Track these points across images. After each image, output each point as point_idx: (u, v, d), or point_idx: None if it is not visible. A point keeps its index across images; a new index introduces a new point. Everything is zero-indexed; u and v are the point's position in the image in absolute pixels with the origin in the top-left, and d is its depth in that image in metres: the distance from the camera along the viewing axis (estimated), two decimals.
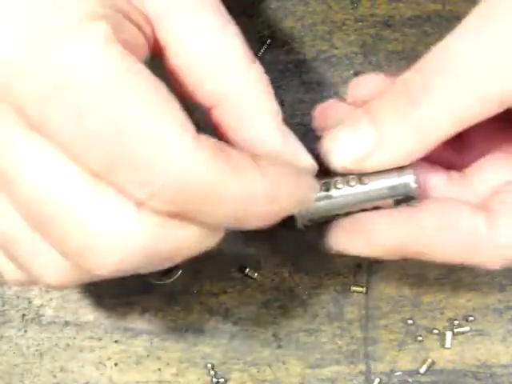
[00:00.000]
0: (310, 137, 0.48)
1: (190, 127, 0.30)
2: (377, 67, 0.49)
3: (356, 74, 0.49)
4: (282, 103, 0.49)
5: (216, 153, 0.30)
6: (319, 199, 0.37)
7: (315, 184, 0.36)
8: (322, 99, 0.49)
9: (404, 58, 0.49)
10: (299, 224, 0.39)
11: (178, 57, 0.34)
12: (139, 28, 0.32)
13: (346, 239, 0.38)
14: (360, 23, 0.49)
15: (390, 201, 0.37)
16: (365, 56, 0.49)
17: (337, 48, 0.49)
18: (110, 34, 0.30)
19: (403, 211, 0.37)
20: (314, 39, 0.49)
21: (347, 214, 0.38)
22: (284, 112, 0.48)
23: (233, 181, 0.31)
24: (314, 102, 0.49)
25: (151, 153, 0.29)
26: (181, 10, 0.33)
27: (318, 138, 0.39)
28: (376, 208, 0.38)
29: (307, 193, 0.35)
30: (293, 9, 0.50)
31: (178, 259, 0.33)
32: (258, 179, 0.31)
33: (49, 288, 0.39)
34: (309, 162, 0.36)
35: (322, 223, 0.39)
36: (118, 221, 0.31)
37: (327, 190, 0.37)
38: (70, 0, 0.30)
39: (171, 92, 0.31)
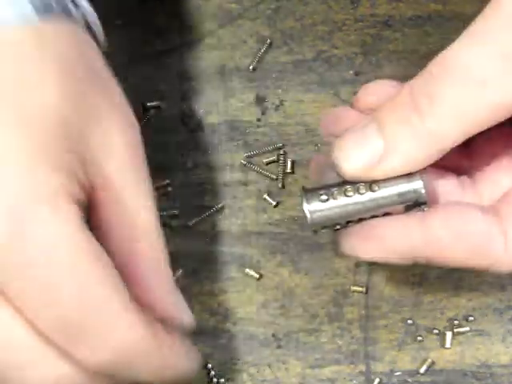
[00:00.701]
0: (309, 136, 0.49)
1: (132, 304, 0.34)
2: (377, 67, 0.49)
3: (356, 73, 0.49)
4: (281, 103, 0.49)
5: (149, 328, 0.34)
6: (331, 207, 0.38)
7: (196, 355, 0.39)
8: (322, 99, 0.49)
9: (404, 57, 0.49)
10: (312, 231, 0.39)
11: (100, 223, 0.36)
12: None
13: (358, 245, 0.38)
14: (360, 23, 0.49)
15: (401, 207, 0.37)
16: (365, 56, 0.49)
17: (337, 48, 0.49)
18: (80, 216, 0.33)
19: (414, 217, 0.37)
20: (314, 39, 0.49)
21: (359, 220, 0.38)
22: (284, 112, 0.49)
23: (155, 352, 0.35)
24: (314, 102, 0.49)
25: (99, 326, 0.33)
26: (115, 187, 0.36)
27: (325, 145, 0.39)
28: (387, 214, 0.38)
29: (191, 363, 0.38)
30: (293, 9, 0.50)
31: None
32: (170, 350, 0.36)
33: None
34: (191, 320, 0.39)
35: (335, 230, 0.39)
36: (56, 379, 0.33)
37: (338, 197, 0.37)
38: (44, 173, 0.32)
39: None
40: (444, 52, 0.36)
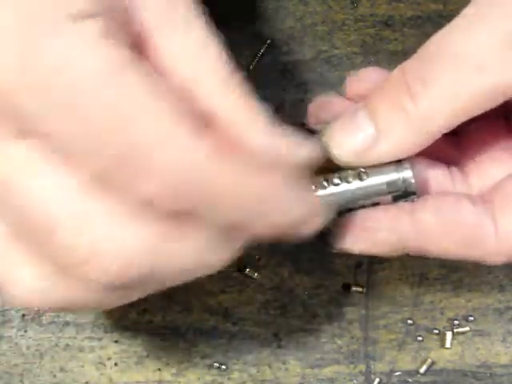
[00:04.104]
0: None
1: (190, 118, 0.29)
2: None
3: None
4: (281, 103, 0.49)
5: (219, 144, 0.29)
6: (318, 196, 0.37)
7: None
8: None
9: (404, 58, 0.49)
10: None
11: (162, 63, 0.32)
12: (130, 36, 0.31)
13: (347, 238, 0.38)
14: (360, 23, 0.49)
15: (389, 197, 0.37)
16: (365, 56, 0.49)
17: (337, 48, 0.49)
18: (104, 30, 0.29)
19: (402, 207, 0.37)
20: (314, 39, 0.49)
21: (346, 210, 0.38)
22: (284, 112, 0.49)
23: (238, 175, 0.29)
24: None
25: (151, 146, 0.28)
26: (166, 30, 0.32)
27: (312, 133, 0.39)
28: (375, 204, 0.38)
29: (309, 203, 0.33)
30: (293, 9, 0.50)
31: (188, 273, 0.32)
32: (262, 176, 0.30)
33: (17, 306, 0.35)
34: (307, 152, 0.33)
35: None
36: (122, 225, 0.30)
37: (325, 186, 0.37)
38: None
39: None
40: (436, 35, 0.36)
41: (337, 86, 0.49)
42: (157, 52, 0.32)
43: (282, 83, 0.49)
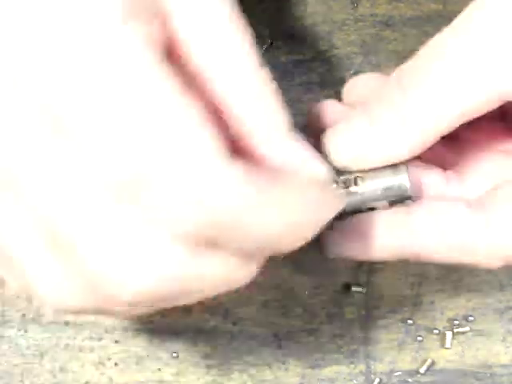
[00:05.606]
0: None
1: (224, 149, 0.28)
2: (377, 67, 0.49)
3: (356, 73, 0.49)
4: None
5: (249, 174, 0.28)
6: None
7: (340, 195, 0.35)
8: (322, 99, 0.49)
9: (404, 57, 0.49)
10: None
11: (186, 58, 0.31)
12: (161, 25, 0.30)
13: (343, 244, 0.38)
14: (360, 23, 0.49)
15: (385, 202, 0.37)
16: (365, 56, 0.49)
17: (337, 48, 0.49)
18: (148, 35, 0.28)
19: (398, 212, 0.37)
20: (314, 39, 0.49)
21: (342, 215, 0.38)
22: None
23: (267, 203, 0.28)
24: (314, 102, 0.49)
25: (182, 171, 0.27)
26: (191, 6, 0.31)
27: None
28: (371, 209, 0.38)
29: (332, 208, 0.32)
30: (293, 9, 0.50)
31: (210, 292, 0.31)
32: (290, 201, 0.29)
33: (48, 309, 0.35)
34: (323, 170, 0.33)
35: None
36: (144, 246, 0.28)
37: None
38: None
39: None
40: (433, 39, 0.36)
41: (337, 86, 0.49)
42: (178, 34, 0.31)
43: (282, 83, 0.49)
